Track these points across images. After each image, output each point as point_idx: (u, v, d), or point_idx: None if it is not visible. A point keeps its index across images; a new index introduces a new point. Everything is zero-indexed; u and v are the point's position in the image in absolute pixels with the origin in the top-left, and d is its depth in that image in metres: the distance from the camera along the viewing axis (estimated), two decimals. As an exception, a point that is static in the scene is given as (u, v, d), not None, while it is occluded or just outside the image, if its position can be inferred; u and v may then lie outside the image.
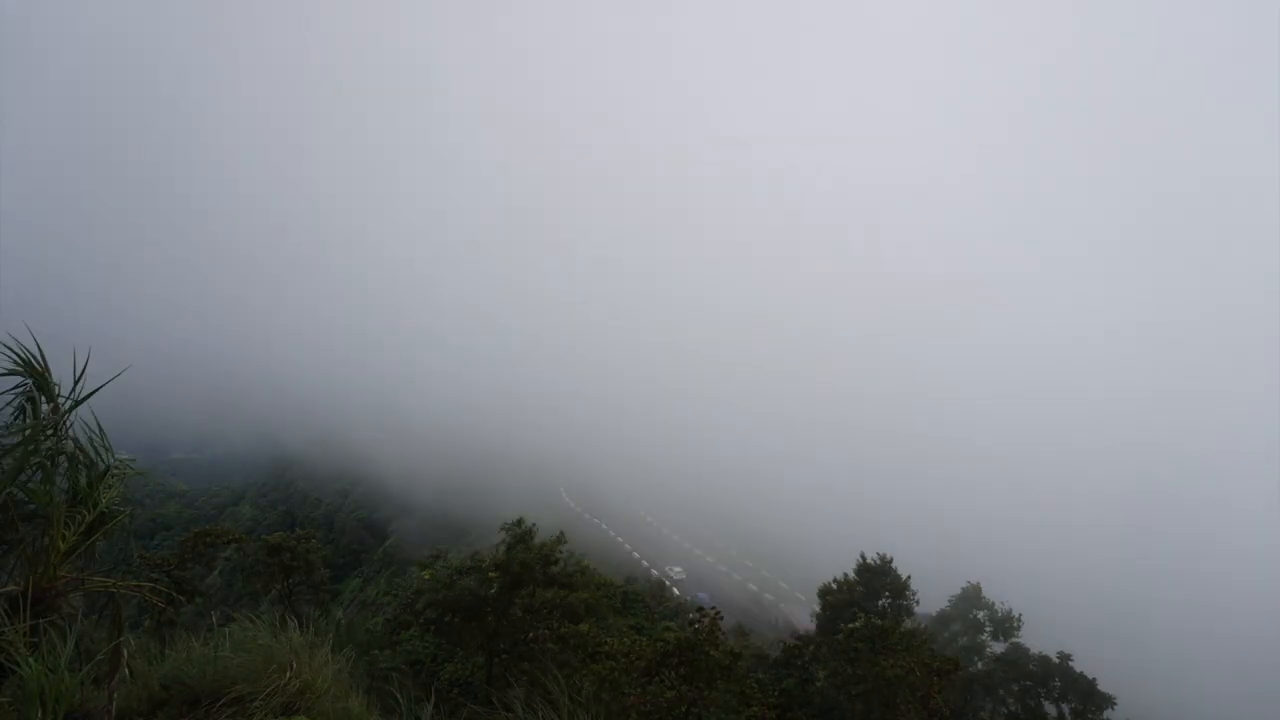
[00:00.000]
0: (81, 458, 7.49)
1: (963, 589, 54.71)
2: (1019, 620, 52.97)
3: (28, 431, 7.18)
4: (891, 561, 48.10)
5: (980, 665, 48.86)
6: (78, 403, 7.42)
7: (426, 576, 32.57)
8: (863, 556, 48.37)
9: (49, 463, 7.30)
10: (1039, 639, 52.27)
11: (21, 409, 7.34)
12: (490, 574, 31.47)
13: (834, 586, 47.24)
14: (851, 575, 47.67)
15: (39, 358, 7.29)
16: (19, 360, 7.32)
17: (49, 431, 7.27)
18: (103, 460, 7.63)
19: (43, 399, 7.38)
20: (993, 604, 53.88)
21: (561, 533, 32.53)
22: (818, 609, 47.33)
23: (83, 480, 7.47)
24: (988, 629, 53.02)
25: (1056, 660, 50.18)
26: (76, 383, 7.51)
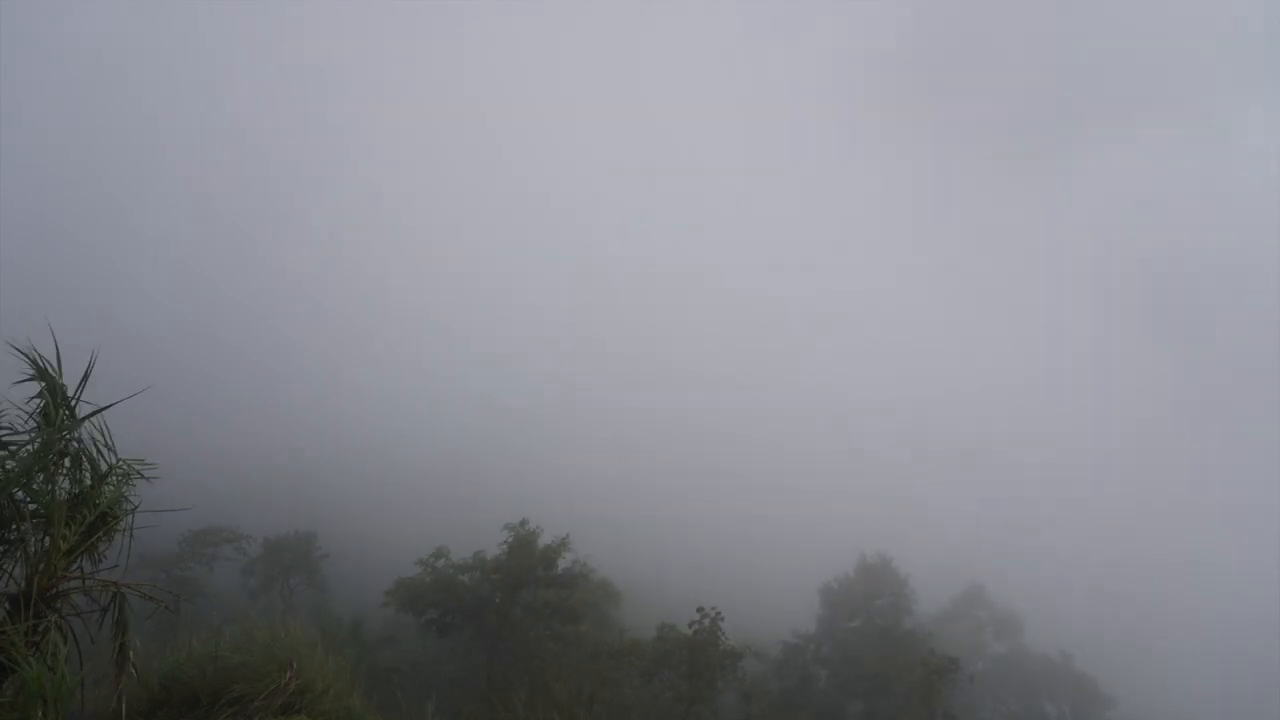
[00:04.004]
0: (85, 458, 7.46)
1: (965, 589, 54.66)
2: (1020, 621, 52.97)
3: (42, 439, 7.17)
4: (891, 561, 48.04)
5: (981, 665, 48.80)
6: (89, 414, 7.38)
7: (428, 578, 32.53)
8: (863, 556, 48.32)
9: (52, 463, 7.29)
10: (1041, 639, 52.24)
11: (41, 413, 7.31)
12: (492, 574, 31.43)
13: (835, 586, 47.17)
14: (851, 574, 47.59)
15: (52, 363, 7.26)
16: (34, 365, 7.29)
17: (63, 436, 7.26)
18: (105, 460, 7.61)
19: (52, 404, 7.36)
20: (993, 605, 53.85)
21: (567, 536, 32.39)
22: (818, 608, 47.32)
23: (86, 480, 7.46)
24: (989, 629, 53.00)
25: (1058, 660, 50.23)
26: (80, 386, 7.49)
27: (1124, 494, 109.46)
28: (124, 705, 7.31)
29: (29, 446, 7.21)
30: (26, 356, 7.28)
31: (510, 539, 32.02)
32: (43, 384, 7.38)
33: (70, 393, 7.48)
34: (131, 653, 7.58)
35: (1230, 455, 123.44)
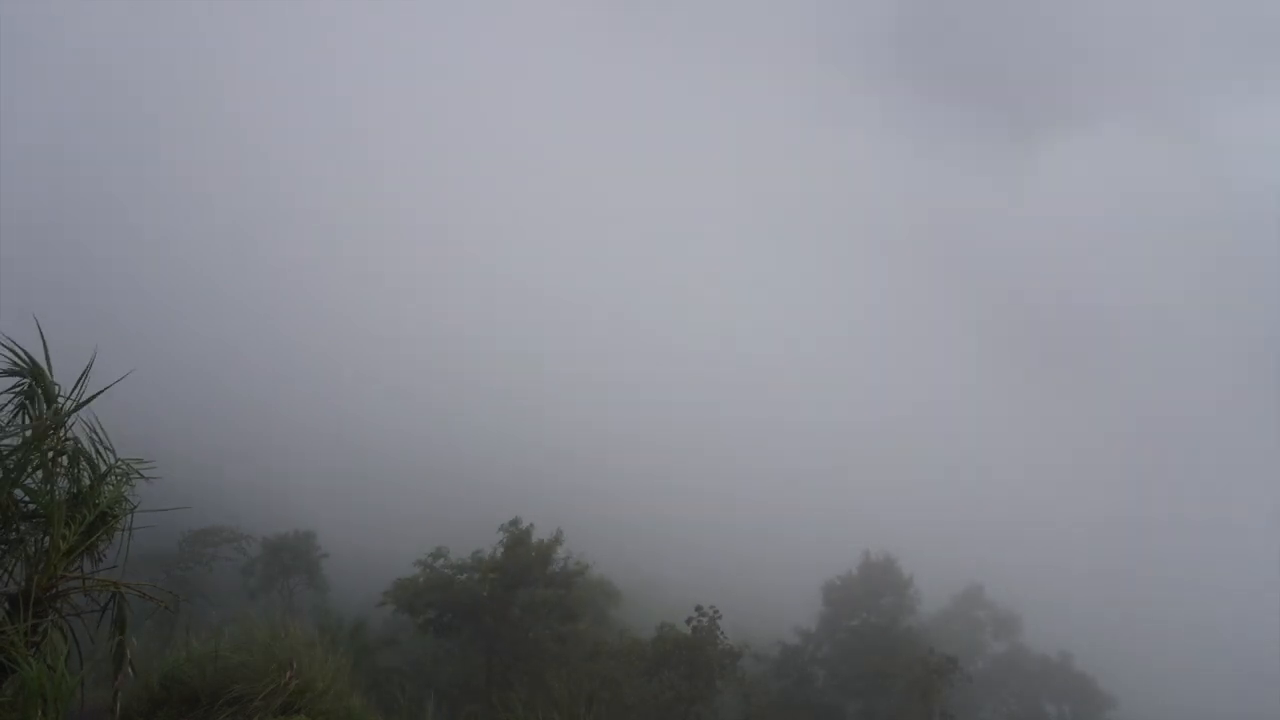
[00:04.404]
0: (83, 458, 7.46)
1: (965, 589, 54.67)
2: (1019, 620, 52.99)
3: (28, 433, 7.17)
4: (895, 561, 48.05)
5: (980, 664, 48.83)
6: (77, 406, 7.38)
7: (424, 579, 32.54)
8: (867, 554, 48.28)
9: (49, 463, 7.28)
10: (1041, 639, 52.22)
11: (21, 408, 7.31)
12: (490, 574, 31.47)
13: (838, 584, 47.19)
14: (854, 573, 47.58)
15: (26, 357, 7.25)
16: (18, 360, 7.30)
17: (50, 432, 7.26)
18: (104, 460, 7.61)
19: (41, 397, 7.36)
20: (993, 605, 53.86)
21: (559, 531, 32.42)
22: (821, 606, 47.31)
23: (85, 480, 7.46)
24: (988, 629, 53.01)
25: (1057, 660, 50.23)
26: (78, 384, 7.48)
27: (1124, 493, 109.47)
28: (119, 704, 7.32)
29: (16, 438, 7.20)
30: (11, 350, 7.25)
31: (505, 539, 32.10)
32: (27, 379, 7.36)
33: (66, 391, 7.48)
34: (130, 652, 7.59)
35: (1229, 454, 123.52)
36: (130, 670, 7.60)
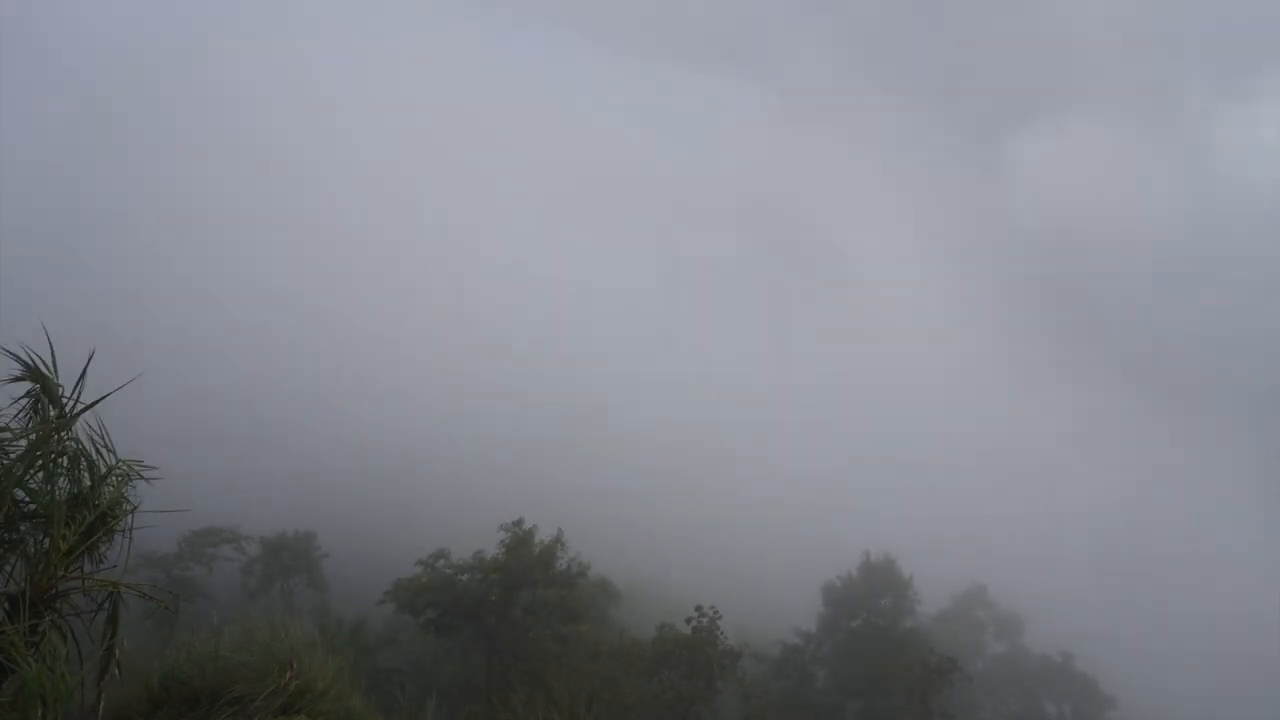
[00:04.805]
0: (84, 459, 7.45)
1: (966, 589, 54.64)
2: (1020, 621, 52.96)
3: (33, 437, 7.18)
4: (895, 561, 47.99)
5: (981, 665, 48.80)
6: (83, 409, 7.39)
7: (425, 579, 32.52)
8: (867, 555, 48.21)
9: (51, 463, 7.28)
10: (1041, 639, 52.19)
11: (31, 412, 7.34)
12: (492, 575, 31.41)
13: (837, 584, 47.12)
14: (854, 573, 47.52)
15: (39, 363, 7.29)
16: (26, 366, 7.32)
17: (55, 435, 7.26)
18: (104, 461, 7.61)
19: (47, 402, 7.38)
20: (994, 605, 53.84)
21: (560, 531, 32.36)
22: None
23: (85, 481, 7.45)
24: (989, 629, 52.99)
25: (1058, 660, 50.21)
26: (77, 385, 7.48)
27: (1125, 492, 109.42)
28: (101, 704, 7.32)
29: (23, 441, 7.22)
30: (16, 356, 7.29)
31: (507, 539, 32.00)
32: (35, 384, 7.38)
33: (66, 393, 7.49)
34: (119, 651, 7.59)
35: (1230, 453, 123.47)
36: (117, 672, 7.59)
